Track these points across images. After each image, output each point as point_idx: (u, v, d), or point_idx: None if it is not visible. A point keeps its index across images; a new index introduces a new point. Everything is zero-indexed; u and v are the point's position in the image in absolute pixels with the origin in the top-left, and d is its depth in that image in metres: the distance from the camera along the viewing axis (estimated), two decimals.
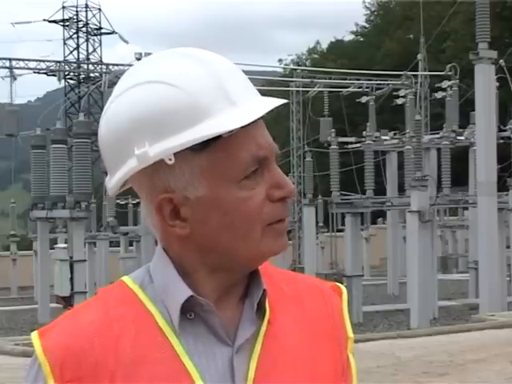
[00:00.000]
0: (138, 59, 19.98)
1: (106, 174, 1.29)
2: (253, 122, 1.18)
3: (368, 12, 55.87)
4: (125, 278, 1.28)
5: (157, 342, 1.21)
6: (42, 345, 1.22)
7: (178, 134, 1.17)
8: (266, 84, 37.63)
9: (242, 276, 1.25)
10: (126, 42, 48.86)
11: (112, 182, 1.24)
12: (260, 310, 1.25)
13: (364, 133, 20.79)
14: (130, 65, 20.83)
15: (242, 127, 1.17)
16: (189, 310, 1.21)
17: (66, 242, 19.74)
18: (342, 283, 1.42)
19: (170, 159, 1.17)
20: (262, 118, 1.22)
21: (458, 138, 20.57)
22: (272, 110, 1.22)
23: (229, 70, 1.22)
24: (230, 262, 1.22)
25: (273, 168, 1.22)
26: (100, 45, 53.10)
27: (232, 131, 1.17)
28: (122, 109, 1.20)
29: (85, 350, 1.19)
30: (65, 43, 52.12)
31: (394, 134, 22.27)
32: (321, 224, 26.53)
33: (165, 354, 1.20)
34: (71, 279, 16.95)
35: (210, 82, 1.19)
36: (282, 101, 1.22)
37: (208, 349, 1.21)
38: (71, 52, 52.06)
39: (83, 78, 42.48)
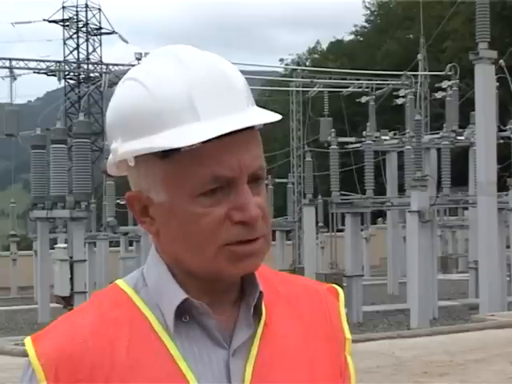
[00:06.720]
0: (138, 59, 19.99)
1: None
2: (219, 139, 1.12)
3: (368, 12, 55.96)
4: (118, 281, 1.27)
5: (152, 345, 1.19)
6: (35, 350, 1.20)
7: (139, 138, 1.16)
8: (266, 84, 37.68)
9: (227, 283, 1.22)
10: (126, 41, 48.80)
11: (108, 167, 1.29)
12: (256, 312, 1.23)
13: (364, 133, 20.79)
14: (130, 65, 20.82)
15: (205, 143, 1.11)
16: (184, 313, 1.19)
17: (65, 242, 19.71)
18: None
19: (131, 161, 1.18)
20: (249, 132, 1.15)
21: (458, 138, 20.56)
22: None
23: (211, 77, 1.16)
24: (189, 271, 1.20)
25: (241, 190, 1.15)
26: (100, 45, 53.10)
27: (193, 145, 1.12)
28: (110, 103, 1.24)
29: (80, 353, 1.17)
30: (65, 43, 52.11)
31: (394, 134, 22.28)
32: (321, 224, 26.49)
33: (160, 358, 1.18)
34: (71, 279, 16.94)
35: (180, 90, 1.14)
36: (263, 119, 1.15)
37: (204, 352, 1.20)
38: (71, 52, 52.05)
39: (83, 78, 42.40)
